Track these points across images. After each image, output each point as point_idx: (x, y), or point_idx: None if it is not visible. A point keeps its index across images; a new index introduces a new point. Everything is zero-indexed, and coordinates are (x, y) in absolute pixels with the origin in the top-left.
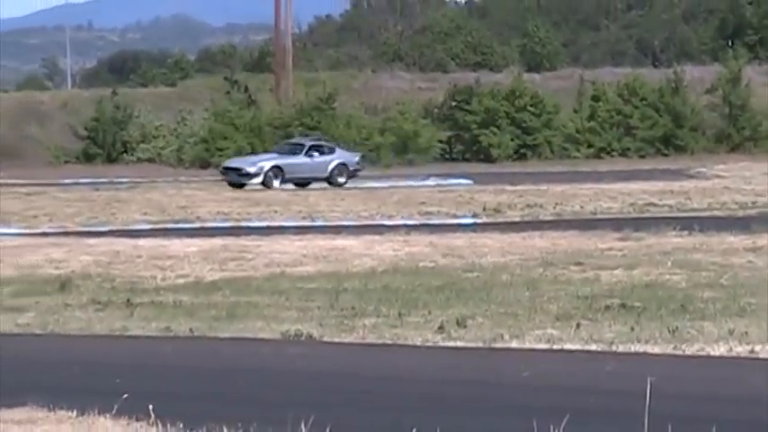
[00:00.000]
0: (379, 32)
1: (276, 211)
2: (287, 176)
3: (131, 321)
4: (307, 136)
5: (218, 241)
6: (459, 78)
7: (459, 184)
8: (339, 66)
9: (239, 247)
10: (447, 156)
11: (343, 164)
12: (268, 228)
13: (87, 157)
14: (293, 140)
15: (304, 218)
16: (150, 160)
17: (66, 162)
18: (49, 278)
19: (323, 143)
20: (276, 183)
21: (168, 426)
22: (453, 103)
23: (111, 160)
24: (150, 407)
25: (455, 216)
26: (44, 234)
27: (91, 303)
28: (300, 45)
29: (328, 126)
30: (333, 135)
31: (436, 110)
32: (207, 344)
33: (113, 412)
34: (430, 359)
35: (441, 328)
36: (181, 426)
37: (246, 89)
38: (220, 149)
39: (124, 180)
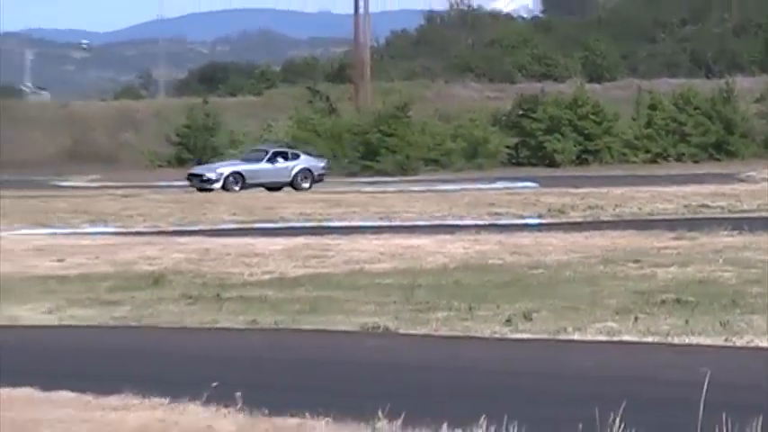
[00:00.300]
0: (451, 46)
1: (355, 212)
2: (248, 182)
3: (220, 315)
4: (284, 146)
5: (300, 240)
6: (525, 88)
7: (526, 187)
8: (414, 76)
9: (321, 245)
10: (514, 160)
11: (308, 169)
12: (347, 227)
13: (179, 162)
14: (258, 146)
15: (381, 218)
16: None
17: (159, 166)
18: (144, 274)
19: (287, 150)
20: (236, 188)
21: (254, 412)
22: (520, 112)
23: (201, 164)
24: (238, 394)
25: (521, 217)
26: (139, 233)
27: (182, 298)
28: (378, 57)
29: (404, 132)
30: (408, 141)
31: (504, 117)
32: (290, 336)
33: (203, 399)
34: (498, 350)
35: (508, 321)
36: (266, 412)
37: (328, 98)
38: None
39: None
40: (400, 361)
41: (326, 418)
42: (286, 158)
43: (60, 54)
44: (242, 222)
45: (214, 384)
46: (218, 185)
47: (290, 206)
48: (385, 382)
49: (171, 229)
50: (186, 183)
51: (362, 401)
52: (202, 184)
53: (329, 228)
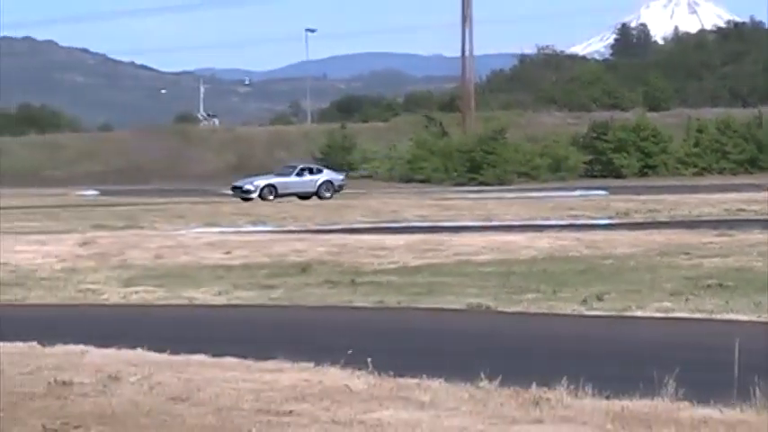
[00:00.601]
0: (539, 82)
1: (462, 215)
2: (280, 192)
3: (355, 296)
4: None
5: (419, 236)
6: (597, 116)
7: (598, 195)
8: (509, 107)
9: (435, 241)
10: (589, 173)
11: (330, 181)
12: (456, 227)
13: None
14: (289, 164)
15: (483, 219)
16: (368, 177)
17: None
18: (294, 264)
19: (312, 165)
20: (271, 197)
21: (382, 374)
22: (594, 135)
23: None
24: (369, 360)
25: (595, 218)
26: (290, 231)
27: (325, 283)
28: (480, 91)
29: (501, 151)
30: (505, 158)
31: (581, 139)
32: (411, 313)
33: (341, 364)
34: (576, 324)
35: (584, 301)
36: (391, 374)
37: (441, 124)
38: (421, 168)
39: (349, 191)
40: (498, 332)
41: (440, 379)
42: (311, 173)
43: (227, 89)
44: (372, 222)
45: (349, 352)
46: (255, 195)
47: (410, 210)
48: (486, 349)
49: (315, 227)
50: (231, 193)
51: (469, 365)
52: (243, 195)
53: (442, 227)
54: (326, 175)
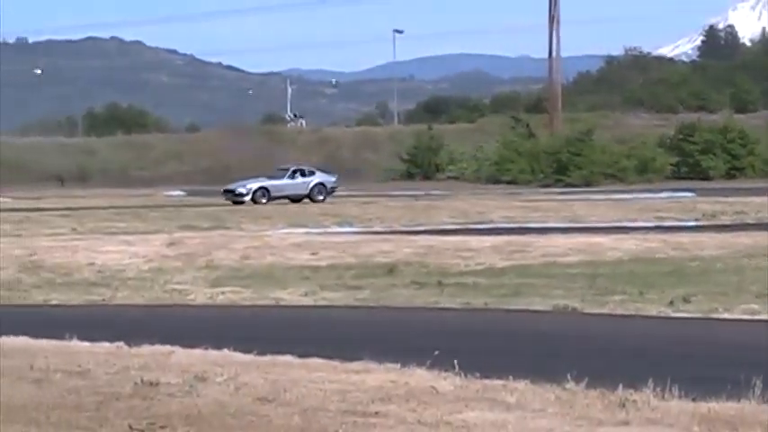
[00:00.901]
0: (625, 83)
1: (549, 216)
2: (272, 195)
3: (441, 297)
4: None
5: (506, 238)
6: (684, 118)
7: (685, 197)
8: (596, 108)
9: (522, 242)
10: (676, 175)
11: (322, 184)
12: (543, 228)
13: (409, 175)
14: (281, 166)
15: (569, 221)
16: (455, 178)
17: (392, 179)
18: (380, 265)
19: (305, 168)
20: (264, 200)
21: (468, 375)
22: (681, 136)
23: (426, 177)
24: (455, 361)
25: (681, 220)
26: (376, 232)
27: (411, 284)
28: (567, 93)
29: (588, 153)
30: (591, 159)
31: (668, 141)
32: (497, 314)
33: (427, 365)
34: (663, 326)
35: (671, 302)
36: (477, 375)
37: (527, 125)
38: (507, 170)
39: (436, 192)
40: (584, 334)
41: (526, 380)
42: (304, 175)
43: (315, 90)
44: (459, 224)
45: (436, 353)
46: (248, 198)
47: (497, 211)
48: (572, 350)
49: (402, 228)
50: (223, 197)
51: (555, 365)
52: (235, 198)
53: (528, 228)
54: (319, 177)
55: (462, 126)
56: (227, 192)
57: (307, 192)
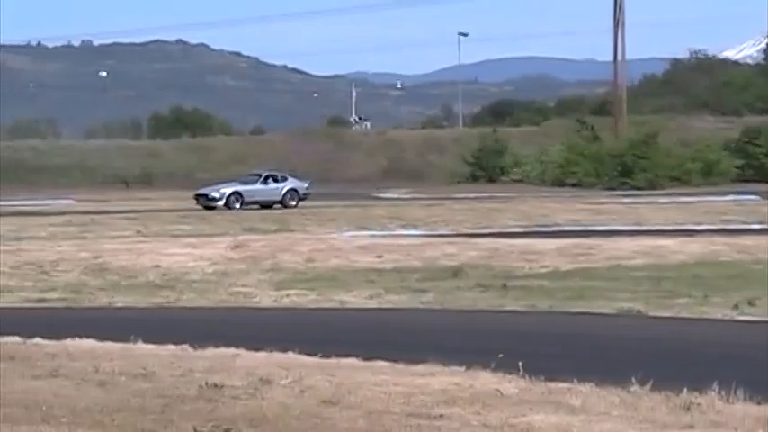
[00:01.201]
0: (690, 86)
1: (614, 219)
2: (246, 200)
3: (506, 300)
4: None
5: (570, 241)
6: (749, 121)
7: (750, 200)
8: (661, 111)
9: (586, 245)
10: (741, 178)
11: (294, 189)
12: (608, 231)
13: (473, 178)
14: (254, 171)
15: (634, 224)
16: (519, 180)
17: (457, 182)
18: (445, 267)
19: (277, 173)
20: (237, 205)
21: (533, 378)
22: (746, 140)
23: (490, 180)
24: (520, 363)
25: (746, 223)
26: (441, 235)
27: (476, 286)
28: (632, 96)
29: (653, 156)
30: (656, 163)
31: (733, 144)
32: (561, 317)
33: (492, 367)
34: (727, 329)
35: (735, 306)
36: (542, 378)
37: (592, 128)
38: (572, 173)
39: (500, 195)
40: (649, 337)
41: (590, 383)
42: (276, 180)
43: (380, 92)
44: (524, 227)
45: (500, 355)
46: (221, 203)
47: (562, 214)
48: (637, 353)
49: (467, 231)
50: (195, 201)
51: (619, 368)
52: (208, 202)
53: (593, 231)
54: (291, 183)
55: (527, 129)
56: (199, 196)
57: (279, 197)
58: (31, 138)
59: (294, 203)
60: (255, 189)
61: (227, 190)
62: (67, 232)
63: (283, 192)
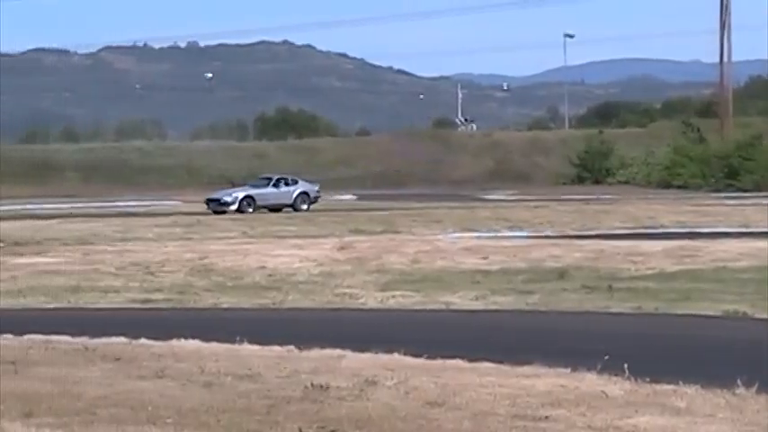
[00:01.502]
0: None
1: (720, 221)
2: (258, 204)
3: (611, 302)
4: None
5: (676, 242)
6: None
7: None
8: (766, 112)
9: (692, 247)
10: None
11: (305, 193)
12: (714, 233)
13: (579, 180)
14: (264, 175)
15: (741, 226)
16: (625, 182)
17: (563, 183)
18: (551, 269)
19: (288, 177)
20: (250, 209)
21: (638, 380)
22: None
23: (596, 182)
24: (625, 365)
25: None
26: (547, 237)
27: (581, 288)
28: (738, 97)
29: (759, 157)
30: (762, 164)
31: None
32: (667, 318)
33: (597, 369)
34: None
35: None
36: (647, 380)
37: (698, 130)
38: (678, 174)
39: (606, 197)
40: (755, 339)
41: (696, 385)
42: (287, 184)
43: (485, 94)
44: (629, 229)
45: (606, 357)
46: (233, 207)
47: (668, 216)
48: (742, 355)
49: (572, 233)
50: (205, 206)
51: (725, 370)
52: (219, 207)
53: (699, 233)
54: (302, 186)
55: (633, 131)
56: (210, 201)
57: (291, 201)
58: (137, 139)
59: (305, 207)
60: (267, 193)
61: (240, 194)
62: (173, 233)
63: (294, 195)
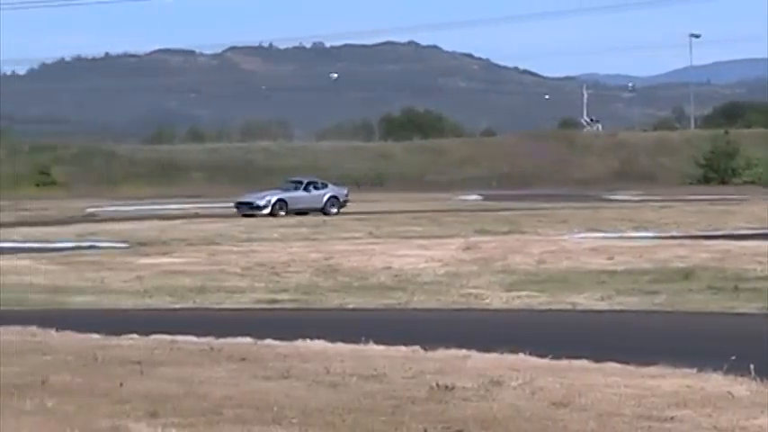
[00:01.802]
0: None
1: None
2: (290, 208)
3: (738, 302)
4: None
5: None
6: None
7: None
8: None
9: None
10: None
11: (335, 196)
12: None
13: (705, 180)
14: (294, 178)
15: None
16: (751, 182)
17: (689, 183)
18: (676, 270)
19: (317, 180)
20: (282, 213)
21: (765, 381)
22: None
23: (722, 182)
24: (751, 366)
25: None
26: (672, 237)
27: (707, 289)
28: None
29: None
30: None
31: None
32: None
33: (724, 370)
34: None
35: None
36: None
37: None
38: None
39: (732, 197)
40: None
41: None
42: (317, 188)
43: (611, 94)
44: (755, 229)
45: (732, 358)
46: (266, 211)
47: None
48: None
49: (698, 233)
50: (235, 210)
51: None
52: (251, 211)
53: None
54: (332, 190)
55: (759, 131)
56: (241, 204)
57: (321, 205)
58: (263, 139)
59: (335, 210)
60: (299, 196)
61: (273, 198)
62: (299, 233)
63: (325, 199)
